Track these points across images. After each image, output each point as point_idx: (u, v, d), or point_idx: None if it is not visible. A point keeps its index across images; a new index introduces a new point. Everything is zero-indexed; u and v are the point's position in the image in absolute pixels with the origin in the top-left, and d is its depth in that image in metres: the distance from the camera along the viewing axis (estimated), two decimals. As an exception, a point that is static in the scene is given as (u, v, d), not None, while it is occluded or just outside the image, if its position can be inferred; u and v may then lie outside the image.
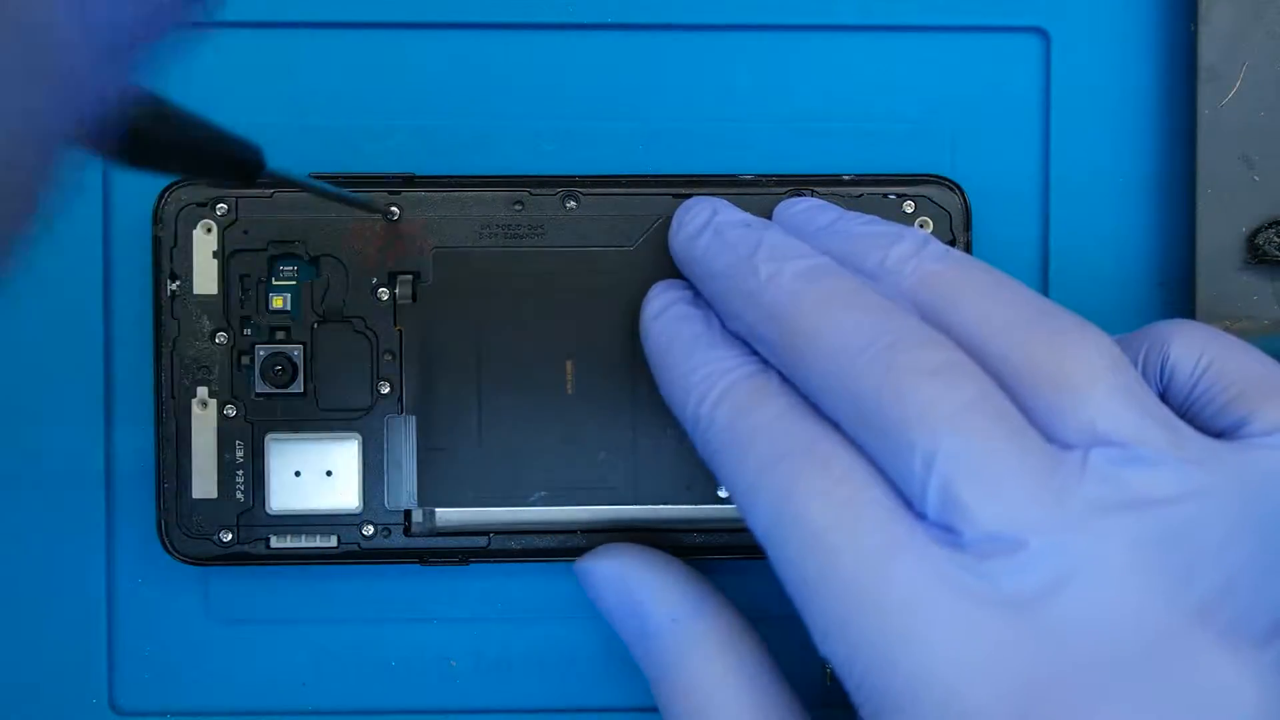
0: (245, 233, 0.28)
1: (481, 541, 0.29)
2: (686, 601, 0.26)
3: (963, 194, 0.29)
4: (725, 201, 0.27)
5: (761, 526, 0.22)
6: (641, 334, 0.27)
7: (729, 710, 0.25)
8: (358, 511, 0.29)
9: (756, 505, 0.22)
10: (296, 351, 0.28)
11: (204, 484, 0.28)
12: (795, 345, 0.23)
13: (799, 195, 0.28)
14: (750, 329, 0.24)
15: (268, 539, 0.28)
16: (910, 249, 0.24)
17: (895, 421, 0.21)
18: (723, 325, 0.25)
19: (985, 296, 0.23)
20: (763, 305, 0.24)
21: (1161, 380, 0.24)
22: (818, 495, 0.21)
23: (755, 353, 0.24)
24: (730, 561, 0.29)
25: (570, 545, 0.29)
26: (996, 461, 0.20)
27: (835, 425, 0.22)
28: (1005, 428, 0.21)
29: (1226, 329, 0.28)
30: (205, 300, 0.28)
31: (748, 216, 0.26)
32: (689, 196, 0.28)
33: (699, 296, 0.26)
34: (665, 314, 0.26)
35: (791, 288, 0.23)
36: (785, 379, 0.24)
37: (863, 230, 0.25)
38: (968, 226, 0.29)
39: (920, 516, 0.21)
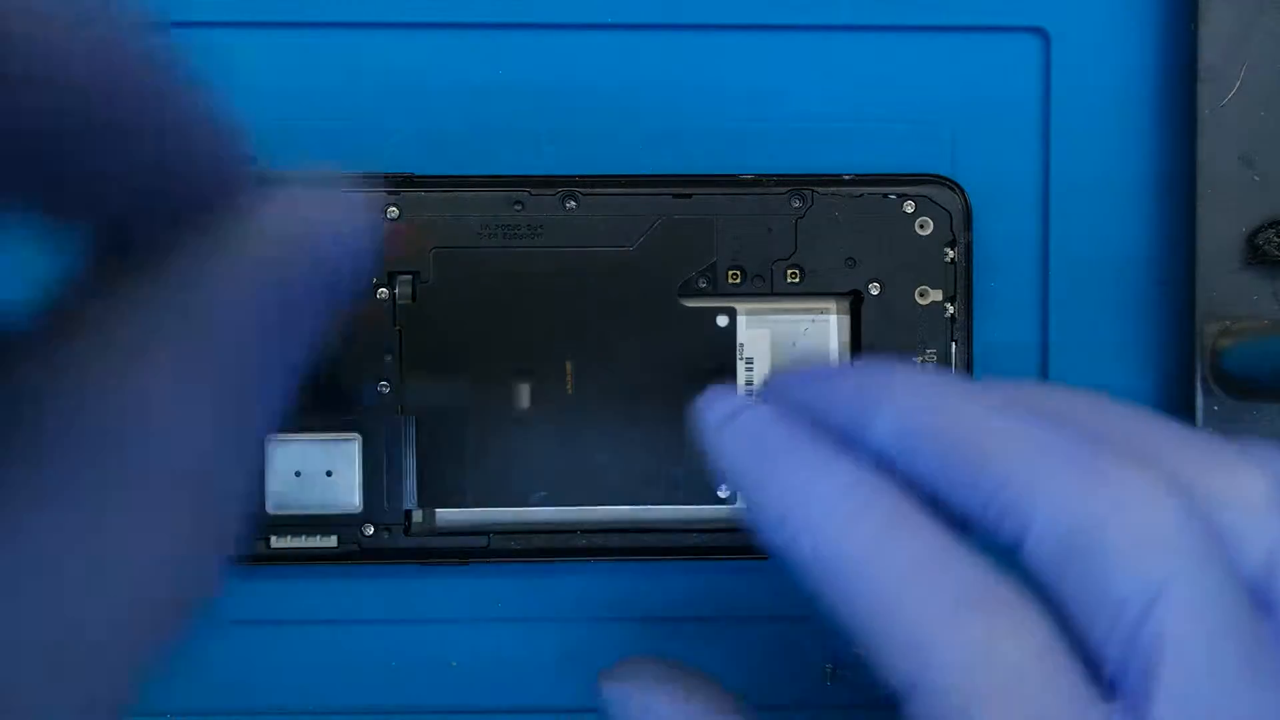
0: (245, 233, 0.28)
1: (481, 541, 0.29)
2: None
3: (963, 194, 0.29)
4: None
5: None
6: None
7: None
8: (358, 511, 0.29)
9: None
10: (296, 351, 0.28)
11: (204, 484, 0.28)
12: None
13: (799, 193, 0.28)
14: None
15: (268, 539, 0.28)
16: None
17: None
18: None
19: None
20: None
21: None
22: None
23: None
24: (730, 561, 0.29)
25: (570, 545, 0.29)
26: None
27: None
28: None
29: (1227, 329, 0.28)
30: (205, 300, 0.28)
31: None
32: (689, 196, 0.28)
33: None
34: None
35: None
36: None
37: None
38: (968, 226, 0.29)
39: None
